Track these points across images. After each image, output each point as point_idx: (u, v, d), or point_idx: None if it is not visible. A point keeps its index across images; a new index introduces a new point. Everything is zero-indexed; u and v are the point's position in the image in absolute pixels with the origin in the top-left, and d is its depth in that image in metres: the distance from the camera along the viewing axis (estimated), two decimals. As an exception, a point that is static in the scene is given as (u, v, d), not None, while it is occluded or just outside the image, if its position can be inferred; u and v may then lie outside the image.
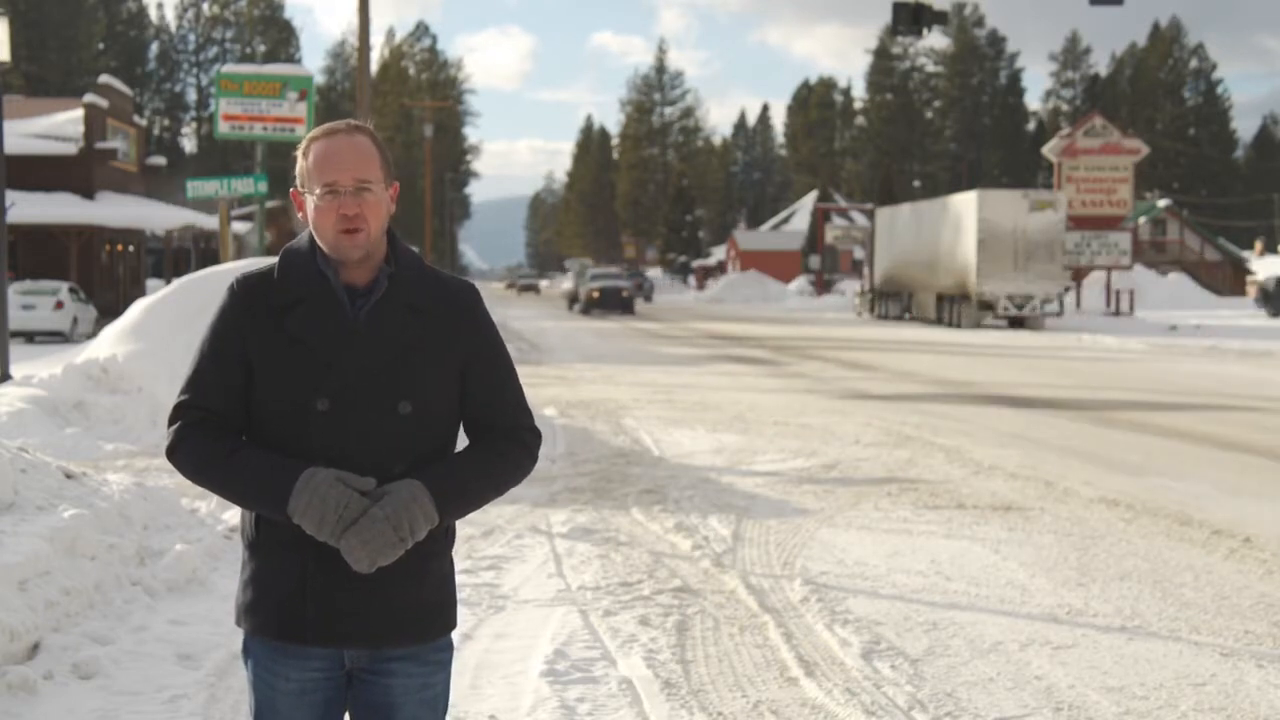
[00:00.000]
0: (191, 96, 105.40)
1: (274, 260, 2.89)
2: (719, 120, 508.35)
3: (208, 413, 2.79)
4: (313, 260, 2.82)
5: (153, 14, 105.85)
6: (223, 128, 24.59)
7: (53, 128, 42.49)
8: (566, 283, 67.46)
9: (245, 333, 2.79)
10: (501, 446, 2.89)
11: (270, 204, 40.95)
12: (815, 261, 76.88)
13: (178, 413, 2.82)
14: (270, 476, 2.70)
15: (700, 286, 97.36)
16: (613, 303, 53.31)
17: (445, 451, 2.86)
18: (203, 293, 14.39)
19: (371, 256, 2.82)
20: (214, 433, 2.78)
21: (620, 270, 72.89)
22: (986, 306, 41.44)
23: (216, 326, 2.83)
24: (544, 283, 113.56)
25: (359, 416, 2.75)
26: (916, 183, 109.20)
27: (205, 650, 6.07)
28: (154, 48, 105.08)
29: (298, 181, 2.86)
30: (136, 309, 15.47)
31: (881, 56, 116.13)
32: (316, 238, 2.82)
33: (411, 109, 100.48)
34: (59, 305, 32.20)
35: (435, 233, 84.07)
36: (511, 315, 49.07)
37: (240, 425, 2.81)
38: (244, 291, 2.82)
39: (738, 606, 7.10)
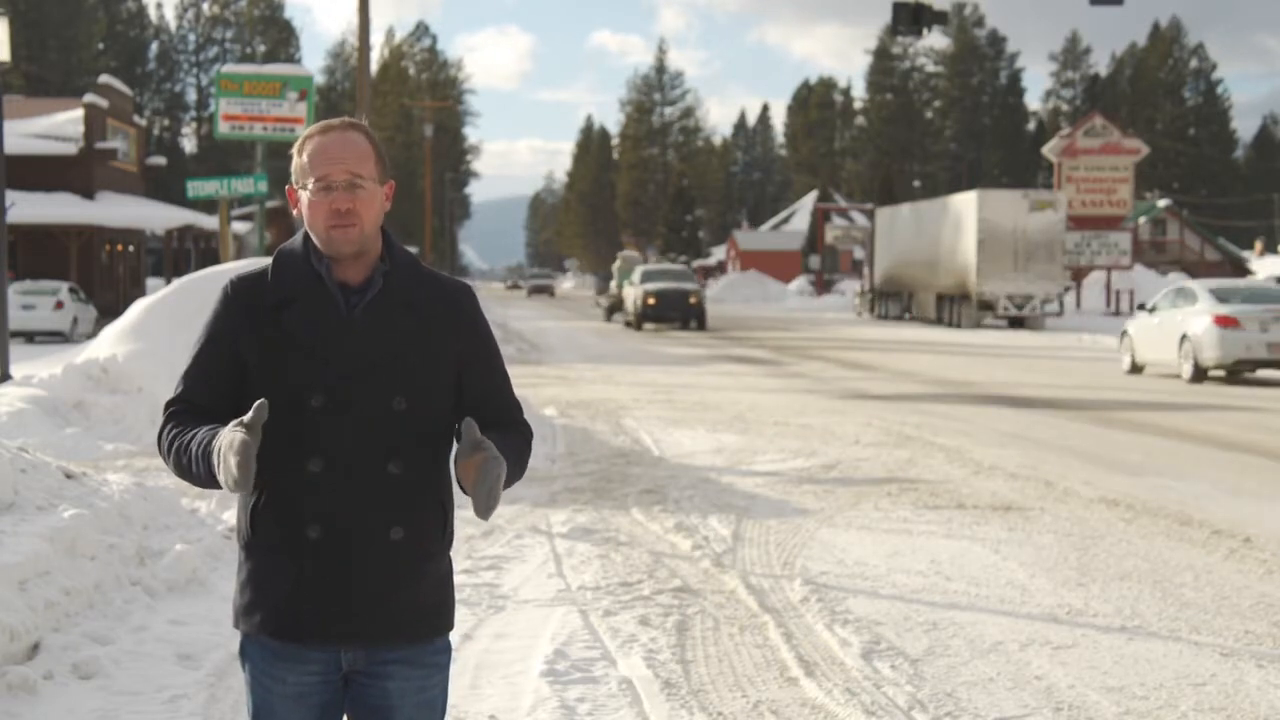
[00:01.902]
0: (191, 96, 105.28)
1: (268, 260, 2.90)
2: (719, 120, 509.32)
3: (195, 407, 2.81)
4: (306, 259, 2.83)
5: (153, 14, 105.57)
6: (223, 128, 24.63)
7: (53, 128, 42.51)
8: (567, 281, 63.52)
9: (240, 332, 2.80)
10: (515, 436, 2.91)
11: (270, 204, 40.90)
12: (815, 261, 76.89)
13: (168, 408, 2.84)
14: (209, 449, 2.68)
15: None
16: (676, 311, 38.44)
17: (440, 448, 2.87)
18: (202, 293, 14.36)
19: (365, 254, 2.83)
20: (195, 422, 2.78)
21: (686, 266, 55.56)
22: (986, 306, 41.45)
23: (211, 326, 2.84)
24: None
25: (354, 413, 2.75)
26: (916, 183, 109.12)
27: (205, 650, 6.07)
28: (154, 48, 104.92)
29: (293, 178, 2.87)
30: (136, 309, 15.46)
31: (881, 56, 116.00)
32: (309, 232, 2.83)
33: (411, 109, 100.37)
34: (59, 305, 32.22)
35: (435, 232, 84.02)
36: (510, 315, 48.67)
37: (227, 421, 2.80)
38: (237, 292, 2.83)
39: (738, 606, 7.10)
